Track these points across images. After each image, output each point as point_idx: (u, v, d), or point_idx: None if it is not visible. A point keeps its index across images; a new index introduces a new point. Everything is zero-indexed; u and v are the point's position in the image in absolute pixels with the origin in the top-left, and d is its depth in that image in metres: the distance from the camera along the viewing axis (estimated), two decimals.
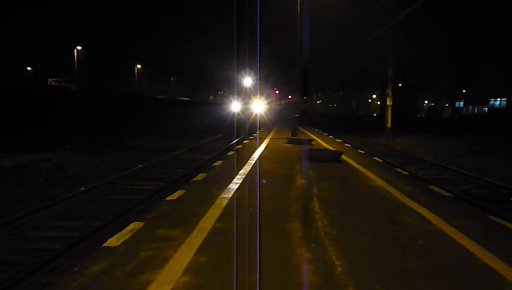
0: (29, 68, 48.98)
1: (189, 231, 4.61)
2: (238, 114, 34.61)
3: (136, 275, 3.46)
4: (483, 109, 37.75)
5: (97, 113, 26.49)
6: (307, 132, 21.27)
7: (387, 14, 24.84)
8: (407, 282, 3.43)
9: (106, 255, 3.91)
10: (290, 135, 17.91)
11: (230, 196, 6.36)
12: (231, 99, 40.40)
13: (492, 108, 35.87)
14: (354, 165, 10.16)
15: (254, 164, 9.94)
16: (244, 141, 17.34)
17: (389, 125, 26.00)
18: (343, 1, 30.64)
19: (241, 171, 8.65)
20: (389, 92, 26.41)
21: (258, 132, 22.08)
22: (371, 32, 27.24)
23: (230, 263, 3.73)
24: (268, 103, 42.75)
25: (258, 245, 4.12)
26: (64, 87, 41.55)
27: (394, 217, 5.34)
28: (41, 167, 12.77)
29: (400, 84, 35.95)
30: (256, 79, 36.89)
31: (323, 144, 15.78)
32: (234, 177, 7.95)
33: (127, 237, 4.42)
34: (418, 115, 46.65)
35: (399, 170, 10.74)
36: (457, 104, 43.85)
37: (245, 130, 26.51)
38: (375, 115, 57.52)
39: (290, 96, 61.70)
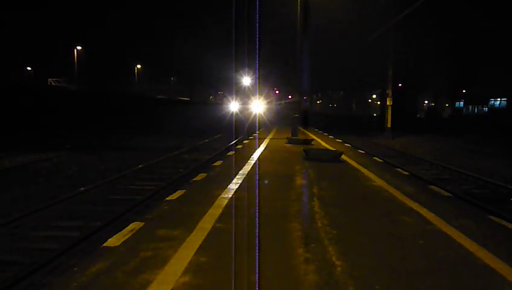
0: (29, 68, 48.97)
1: (189, 231, 4.61)
2: (236, 114, 34.56)
3: (136, 275, 3.46)
4: (483, 109, 37.73)
5: (97, 113, 26.51)
6: (307, 132, 21.26)
7: (387, 14, 24.85)
8: (407, 282, 3.43)
9: (106, 255, 3.91)
10: (290, 135, 17.92)
11: (230, 196, 6.36)
12: (229, 99, 40.33)
13: (492, 108, 35.85)
14: (354, 165, 10.16)
15: (254, 164, 9.94)
16: (244, 141, 17.34)
17: (389, 125, 26.03)
18: (343, 1, 30.63)
19: (241, 171, 8.65)
20: (389, 92, 26.44)
21: (257, 132, 22.07)
22: (371, 32, 27.25)
23: (230, 263, 3.73)
24: (268, 102, 42.68)
25: (258, 245, 4.12)
26: (64, 87, 41.56)
27: (394, 217, 5.34)
28: (41, 166, 12.77)
29: (400, 84, 35.95)
30: (255, 78, 36.89)
31: (323, 144, 15.78)
32: (234, 177, 7.95)
33: (127, 237, 4.42)
34: (418, 115, 46.64)
35: (399, 170, 10.74)
36: (457, 104, 43.81)
37: (244, 130, 26.52)
38: (375, 115, 57.55)
39: (290, 96, 61.71)
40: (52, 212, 7.46)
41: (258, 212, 5.37)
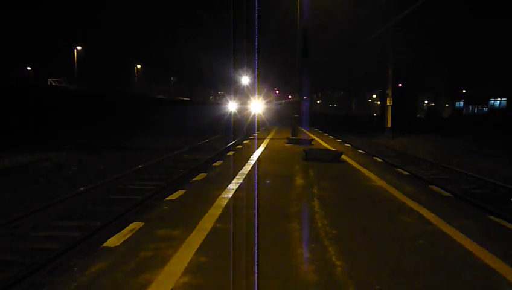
0: (29, 68, 49.00)
1: (189, 231, 4.61)
2: (235, 114, 34.52)
3: (136, 275, 3.46)
4: (483, 109, 37.74)
5: (97, 113, 26.52)
6: (307, 132, 21.27)
7: (387, 14, 24.86)
8: (407, 282, 3.43)
9: (106, 255, 3.91)
10: (290, 135, 17.92)
11: (230, 196, 6.36)
12: (228, 99, 40.29)
13: (492, 108, 35.86)
14: (354, 165, 10.16)
15: (254, 164, 9.94)
16: (244, 141, 17.34)
17: (389, 125, 26.03)
18: (343, 1, 30.65)
19: (241, 171, 8.65)
20: (389, 92, 26.44)
21: (256, 133, 22.07)
22: (371, 32, 27.27)
23: (230, 263, 3.73)
24: (268, 102, 42.65)
25: (257, 245, 4.12)
26: (64, 87, 41.57)
27: (394, 217, 5.34)
28: (41, 166, 12.77)
29: (400, 84, 35.96)
30: (254, 78, 36.87)
31: (323, 144, 15.78)
32: (234, 177, 7.95)
33: (127, 237, 4.42)
34: (418, 115, 46.65)
35: (399, 170, 10.73)
36: (457, 104, 43.83)
37: (243, 130, 26.52)
38: (375, 115, 57.55)
39: (290, 96, 61.66)
40: (52, 212, 7.46)
41: (258, 212, 5.37)
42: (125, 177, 10.83)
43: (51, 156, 14.80)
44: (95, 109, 26.86)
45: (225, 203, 5.90)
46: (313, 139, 16.90)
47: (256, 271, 3.53)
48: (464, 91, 42.79)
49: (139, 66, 58.90)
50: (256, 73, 33.50)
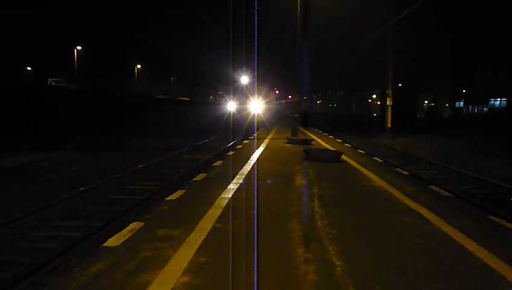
0: (29, 68, 49.01)
1: (189, 231, 4.61)
2: (235, 114, 34.50)
3: (136, 275, 3.46)
4: (483, 109, 37.74)
5: (97, 113, 26.52)
6: (307, 132, 21.27)
7: (387, 14, 24.85)
8: (407, 282, 3.43)
9: (106, 255, 3.91)
10: (290, 135, 17.92)
11: (230, 196, 6.36)
12: (227, 99, 40.30)
13: (492, 108, 35.86)
14: (354, 165, 10.16)
15: (254, 164, 9.94)
16: (244, 141, 17.34)
17: (389, 125, 26.03)
18: (343, 1, 30.62)
19: (241, 171, 8.65)
20: (389, 92, 26.45)
21: (256, 133, 22.08)
22: (371, 32, 27.26)
23: (230, 263, 3.73)
24: (267, 102, 42.64)
25: (257, 245, 4.12)
26: (64, 87, 41.56)
27: (394, 217, 5.34)
28: (41, 166, 12.78)
29: (400, 84, 35.95)
30: (254, 78, 36.87)
31: (323, 144, 15.78)
32: (234, 177, 7.95)
33: (127, 237, 4.42)
34: (418, 115, 46.66)
35: (399, 170, 10.73)
36: (457, 104, 43.83)
37: (243, 130, 26.52)
38: (375, 115, 57.56)
39: (290, 96, 61.66)
40: (52, 212, 7.47)
41: (258, 212, 5.37)
42: (125, 177, 10.84)
43: (51, 156, 14.81)
44: (95, 109, 26.87)
45: (225, 203, 5.90)
46: (313, 139, 16.90)
47: (256, 271, 3.53)
48: (464, 91, 42.79)
49: (139, 66, 58.89)
50: (256, 73, 33.47)
